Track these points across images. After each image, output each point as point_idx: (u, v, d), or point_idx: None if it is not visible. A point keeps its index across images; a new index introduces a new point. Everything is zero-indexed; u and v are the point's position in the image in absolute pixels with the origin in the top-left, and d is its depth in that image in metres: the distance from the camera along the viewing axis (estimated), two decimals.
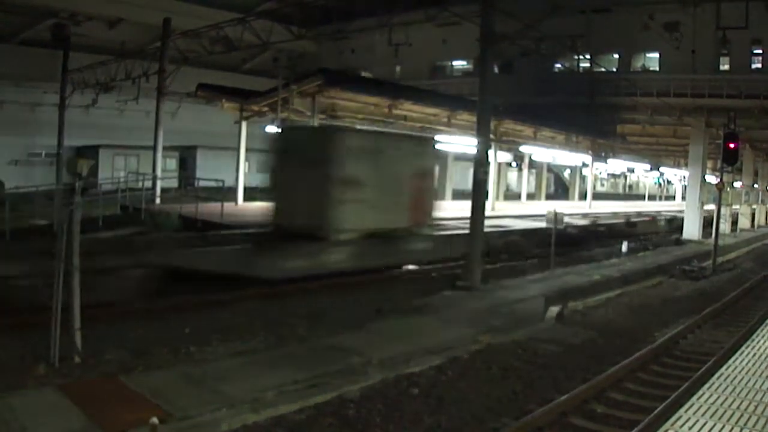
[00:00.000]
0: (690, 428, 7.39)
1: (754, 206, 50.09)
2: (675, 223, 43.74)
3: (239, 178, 30.66)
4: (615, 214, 43.70)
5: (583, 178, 56.85)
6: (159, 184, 32.95)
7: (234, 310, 16.80)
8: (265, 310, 17.03)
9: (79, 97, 42.80)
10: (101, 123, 45.77)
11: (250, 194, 33.64)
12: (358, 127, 28.89)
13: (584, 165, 47.76)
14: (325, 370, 11.33)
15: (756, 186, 50.76)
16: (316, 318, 15.56)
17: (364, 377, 11.27)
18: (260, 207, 29.26)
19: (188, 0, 42.86)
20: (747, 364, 10.01)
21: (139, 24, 44.35)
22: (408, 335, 14.04)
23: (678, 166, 60.90)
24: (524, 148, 39.04)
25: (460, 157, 46.45)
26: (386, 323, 15.06)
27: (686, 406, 8.12)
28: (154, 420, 7.88)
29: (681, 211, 41.75)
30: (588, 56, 40.97)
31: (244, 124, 30.30)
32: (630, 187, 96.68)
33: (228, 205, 25.36)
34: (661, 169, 61.32)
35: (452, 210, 28.71)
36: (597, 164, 48.70)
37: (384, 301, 17.62)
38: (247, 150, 31.47)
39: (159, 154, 35.12)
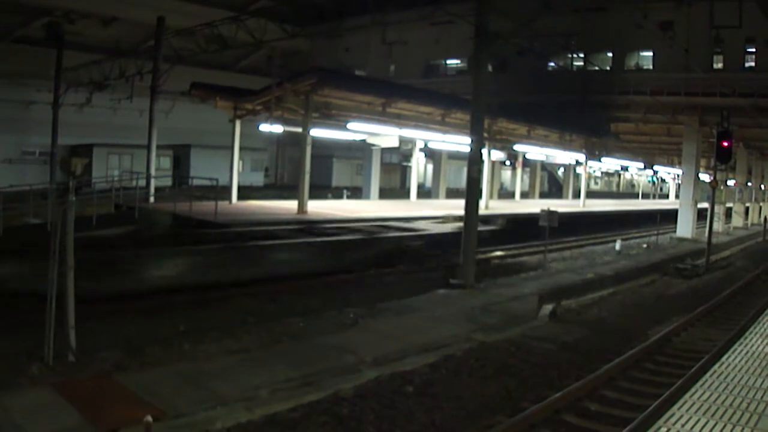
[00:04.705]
0: (683, 425, 7.41)
1: (748, 204, 50.28)
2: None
3: (233, 177, 30.61)
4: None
5: (577, 177, 56.84)
6: (153, 183, 32.88)
7: (228, 308, 16.86)
8: (260, 308, 17.08)
9: (73, 96, 42.72)
10: (95, 122, 45.69)
11: (245, 193, 33.59)
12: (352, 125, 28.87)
13: (578, 163, 47.75)
14: (319, 368, 11.36)
15: (749, 184, 50.85)
16: (309, 316, 15.56)
17: (358, 375, 11.30)
18: (254, 205, 29.36)
19: None
20: (740, 361, 10.04)
21: (133, 22, 44.20)
22: (402, 333, 14.07)
23: (672, 164, 60.97)
24: (518, 147, 38.99)
25: (453, 156, 46.52)
26: (380, 321, 15.09)
27: (679, 404, 8.13)
28: (148, 418, 7.87)
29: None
30: (582, 55, 41.08)
31: (238, 123, 30.19)
32: (629, 185, 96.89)
33: (222, 204, 25.29)
34: (655, 167, 61.37)
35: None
36: (591, 163, 48.67)
37: (377, 299, 17.65)
38: (241, 149, 31.40)
39: (153, 153, 35.06)
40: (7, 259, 17.57)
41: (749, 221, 51.09)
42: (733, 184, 46.74)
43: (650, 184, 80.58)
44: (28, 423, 8.58)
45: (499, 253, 29.07)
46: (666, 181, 79.75)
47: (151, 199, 31.12)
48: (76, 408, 9.08)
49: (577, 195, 52.42)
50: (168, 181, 46.40)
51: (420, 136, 33.82)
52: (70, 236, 11.38)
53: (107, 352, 11.85)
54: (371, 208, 32.05)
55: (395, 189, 63.25)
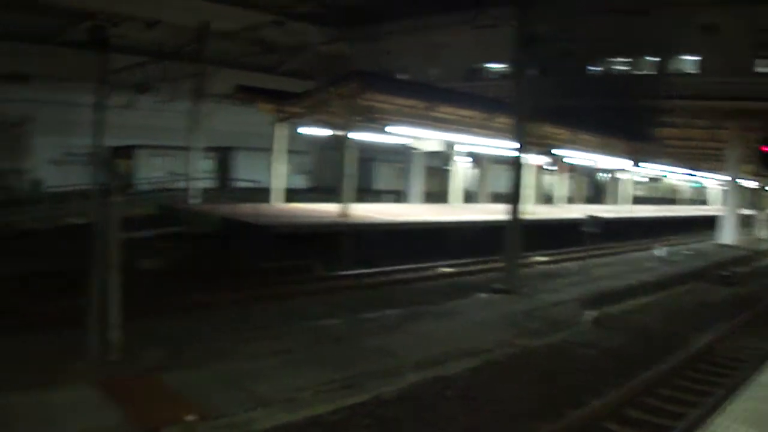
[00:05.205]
0: None
1: None
2: None
3: (273, 180, 30.80)
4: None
5: (620, 182, 56.41)
6: (197, 185, 33.15)
7: (272, 308, 16.89)
8: (302, 309, 17.08)
9: (116, 98, 43.15)
10: (137, 123, 46.02)
11: (287, 195, 33.72)
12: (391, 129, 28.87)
13: (621, 169, 47.35)
14: (361, 370, 11.37)
15: None
16: (351, 318, 15.56)
17: (400, 378, 11.30)
18: (296, 208, 29.50)
19: (225, 2, 43.11)
20: None
21: (176, 26, 44.64)
22: (444, 336, 14.06)
23: (716, 170, 60.26)
24: (561, 152, 38.72)
25: (497, 160, 46.40)
26: (422, 324, 15.08)
27: (722, 413, 8.05)
28: (190, 417, 7.95)
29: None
30: (624, 59, 40.82)
31: (280, 126, 30.41)
32: (671, 191, 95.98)
33: (264, 207, 25.46)
34: (698, 173, 60.71)
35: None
36: (634, 168, 48.25)
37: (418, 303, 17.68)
38: (286, 152, 31.59)
39: (195, 155, 35.38)
40: None
41: None
42: None
43: (693, 190, 79.73)
44: (71, 418, 8.72)
45: (542, 258, 28.96)
46: (709, 186, 78.93)
47: (194, 201, 31.38)
48: (119, 405, 9.19)
49: (620, 200, 52.09)
50: (212, 183, 46.72)
51: (462, 140, 33.73)
52: (113, 236, 11.51)
53: (149, 351, 11.95)
54: (413, 211, 32.11)
55: (440, 193, 63.09)
